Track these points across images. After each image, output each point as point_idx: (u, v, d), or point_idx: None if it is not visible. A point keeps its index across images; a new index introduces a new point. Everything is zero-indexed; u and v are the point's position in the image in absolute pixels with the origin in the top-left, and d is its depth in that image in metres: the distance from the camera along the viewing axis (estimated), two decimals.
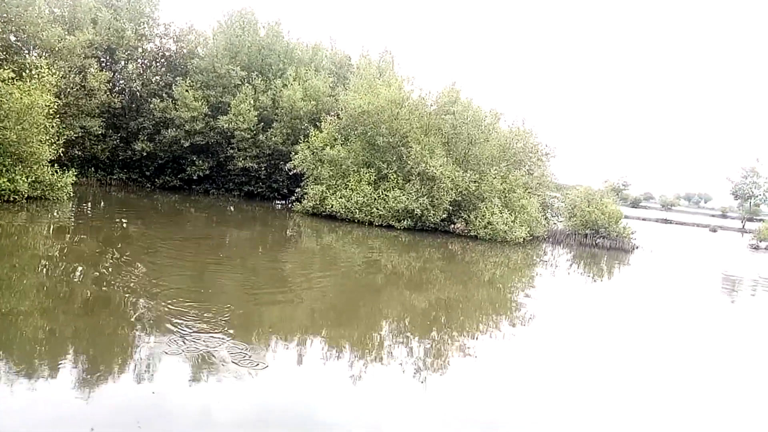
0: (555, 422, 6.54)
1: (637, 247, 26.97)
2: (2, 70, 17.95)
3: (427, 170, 22.93)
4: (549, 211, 29.93)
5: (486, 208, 23.50)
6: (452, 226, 23.82)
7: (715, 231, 56.91)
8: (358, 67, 30.99)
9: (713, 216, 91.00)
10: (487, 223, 23.09)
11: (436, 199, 23.17)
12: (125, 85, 29.34)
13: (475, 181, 23.92)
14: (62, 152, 20.83)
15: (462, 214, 24.11)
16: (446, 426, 6.09)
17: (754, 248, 38.43)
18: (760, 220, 63.11)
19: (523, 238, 23.41)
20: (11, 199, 17.45)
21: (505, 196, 24.53)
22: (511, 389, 7.38)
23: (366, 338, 8.94)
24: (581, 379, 8.06)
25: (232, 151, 29.04)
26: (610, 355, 9.51)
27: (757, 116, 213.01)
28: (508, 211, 23.82)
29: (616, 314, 13.46)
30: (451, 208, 23.80)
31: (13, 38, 23.49)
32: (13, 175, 17.55)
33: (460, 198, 23.95)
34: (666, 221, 63.54)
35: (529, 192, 26.18)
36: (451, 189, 23.28)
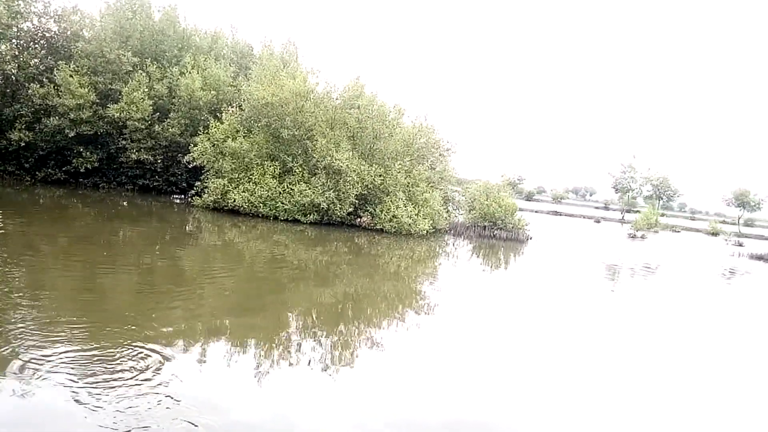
0: (459, 407, 6.81)
1: (530, 238, 28.68)
2: None
3: (332, 164, 22.87)
4: (450, 204, 31.02)
5: (391, 201, 23.90)
6: (358, 219, 24.00)
7: (599, 222, 61.92)
8: (260, 57, 30.19)
9: (597, 208, 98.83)
10: (392, 216, 23.51)
11: (342, 192, 23.20)
12: None
13: (380, 175, 24.22)
14: None
15: (368, 208, 24.36)
16: (354, 417, 6.15)
17: (632, 237, 42.40)
18: (637, 211, 69.58)
19: (427, 231, 24.11)
20: None
21: (409, 190, 25.09)
22: (416, 377, 7.59)
23: (272, 335, 8.78)
24: (481, 363, 8.46)
25: (124, 142, 27.16)
26: (508, 340, 10.06)
27: (636, 115, 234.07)
28: (412, 204, 24.39)
29: (512, 301, 14.26)
30: (357, 201, 23.95)
31: None
32: None
33: (365, 192, 24.16)
34: (556, 213, 68.13)
35: (431, 186, 26.97)
36: (357, 183, 23.41)
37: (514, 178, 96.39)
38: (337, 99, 26.05)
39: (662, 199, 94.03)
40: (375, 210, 24.08)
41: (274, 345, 8.24)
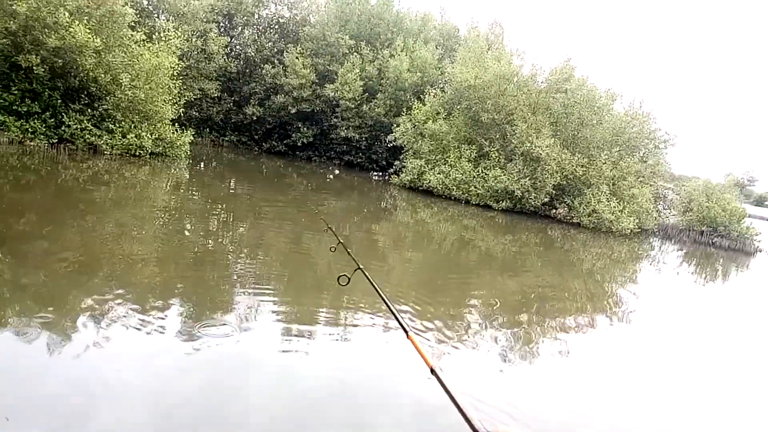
0: (641, 424, 6.07)
1: (760, 250, 24.43)
2: (136, 32, 19.34)
3: (531, 150, 22.01)
4: (661, 203, 27.82)
5: (592, 194, 22.25)
6: (553, 211, 22.84)
7: None
8: (466, 39, 30.18)
9: None
10: (592, 210, 21.88)
11: (539, 181, 22.23)
12: (241, 50, 30.74)
13: (582, 165, 22.66)
14: (182, 112, 22.21)
15: (565, 199, 23.02)
16: (529, 412, 5.85)
17: None
18: None
19: (631, 230, 21.95)
20: (137, 153, 18.97)
21: (614, 184, 23.06)
22: (599, 385, 6.94)
23: (454, 319, 8.78)
24: (675, 383, 7.42)
25: (335, 120, 29.61)
26: (713, 362, 8.67)
27: None
28: (617, 199, 22.40)
29: (727, 321, 12.27)
30: (553, 191, 22.77)
31: (145, 2, 25.25)
32: (140, 131, 18.99)
33: (564, 182, 22.83)
34: None
35: (641, 181, 24.43)
36: (556, 172, 22.22)
37: (743, 179, 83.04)
38: (542, 83, 24.92)
39: None
40: (573, 202, 22.65)
41: (454, 329, 8.23)
